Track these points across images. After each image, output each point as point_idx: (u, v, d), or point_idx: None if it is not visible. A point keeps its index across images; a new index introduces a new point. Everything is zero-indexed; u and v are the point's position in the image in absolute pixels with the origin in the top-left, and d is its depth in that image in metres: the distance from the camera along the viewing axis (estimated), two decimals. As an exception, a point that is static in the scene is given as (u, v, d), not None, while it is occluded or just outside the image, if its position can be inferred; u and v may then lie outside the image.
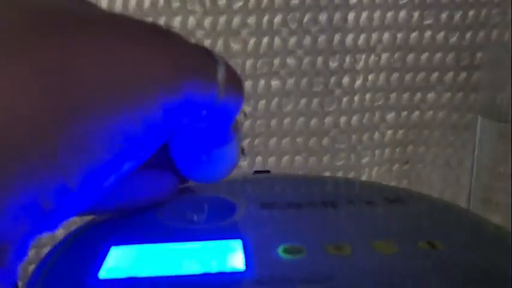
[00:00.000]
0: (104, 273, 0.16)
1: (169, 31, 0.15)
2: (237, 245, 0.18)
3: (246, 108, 0.36)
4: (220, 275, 0.16)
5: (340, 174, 0.38)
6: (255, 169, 0.37)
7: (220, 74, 0.16)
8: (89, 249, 0.18)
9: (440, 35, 0.36)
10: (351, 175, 0.38)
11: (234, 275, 0.16)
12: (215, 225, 0.19)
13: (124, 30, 0.13)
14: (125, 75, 0.13)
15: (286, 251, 0.17)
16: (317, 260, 0.16)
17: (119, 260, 0.17)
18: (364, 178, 0.39)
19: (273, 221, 0.20)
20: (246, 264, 0.16)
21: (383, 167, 0.39)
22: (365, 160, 0.39)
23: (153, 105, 0.13)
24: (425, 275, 0.15)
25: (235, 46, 0.35)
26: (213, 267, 0.16)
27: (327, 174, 0.38)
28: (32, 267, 0.17)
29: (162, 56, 0.14)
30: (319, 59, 0.36)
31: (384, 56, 0.36)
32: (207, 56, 0.16)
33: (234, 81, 0.17)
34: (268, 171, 0.29)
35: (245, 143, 0.37)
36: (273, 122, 0.37)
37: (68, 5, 0.13)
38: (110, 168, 0.13)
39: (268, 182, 0.25)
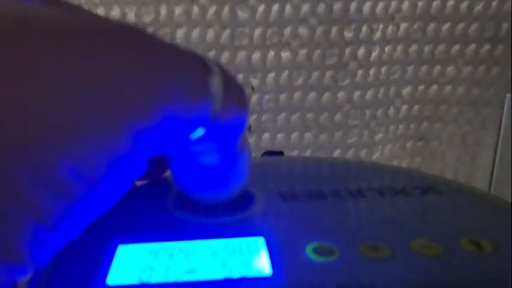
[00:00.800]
0: (111, 279, 0.14)
1: (143, 34, 0.12)
2: (259, 243, 0.16)
3: (254, 81, 0.34)
4: (244, 280, 0.14)
5: (351, 151, 0.36)
6: (262, 147, 0.35)
7: (216, 84, 0.13)
8: (94, 247, 0.16)
9: (464, 4, 0.33)
10: (363, 152, 0.37)
11: (260, 281, 0.14)
12: (233, 219, 0.17)
13: (84, 41, 0.10)
14: (82, 97, 0.10)
15: (315, 251, 0.15)
16: (353, 263, 0.15)
17: (128, 262, 0.15)
18: (376, 155, 0.37)
19: (296, 214, 0.18)
20: (273, 267, 0.14)
21: (396, 144, 0.37)
22: (378, 137, 0.37)
23: (119, 134, 0.11)
24: (474, 283, 0.14)
25: (243, 14, 0.32)
26: (235, 271, 0.14)
27: (338, 151, 0.36)
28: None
29: (130, 70, 0.11)
30: (334, 29, 0.33)
31: (403, 26, 0.34)
32: (197, 63, 0.13)
33: (234, 91, 0.14)
34: (281, 153, 0.27)
35: (252, 119, 0.35)
36: (282, 97, 0.34)
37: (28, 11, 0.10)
38: (86, 206, 0.11)
39: (284, 166, 0.23)
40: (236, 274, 0.14)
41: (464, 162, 0.38)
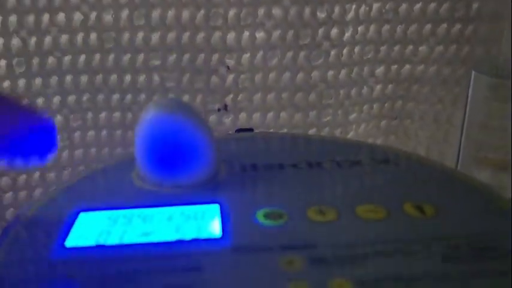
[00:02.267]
0: (70, 241, 0.15)
1: None
2: (214, 210, 0.16)
3: (229, 61, 0.35)
4: (195, 241, 0.15)
5: (326, 130, 0.37)
6: (238, 126, 0.35)
7: None
8: (56, 215, 0.16)
9: (435, -16, 0.34)
10: (338, 131, 0.37)
11: (209, 242, 0.15)
12: (192, 189, 0.18)
13: None
14: None
15: (265, 216, 0.16)
16: (299, 226, 0.15)
17: (88, 227, 0.16)
18: (351, 134, 0.38)
19: (254, 184, 0.18)
20: (223, 231, 0.15)
21: (371, 123, 0.38)
22: (352, 116, 0.37)
23: None
24: (413, 244, 0.14)
25: (217, -6, 0.33)
26: (188, 234, 0.15)
27: (313, 130, 0.37)
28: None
29: None
30: (307, 9, 0.34)
31: (375, 6, 0.34)
32: None
33: None
34: (251, 130, 0.28)
35: (228, 98, 0.35)
36: (258, 77, 0.35)
37: None
38: None
39: (251, 142, 0.24)
40: (188, 236, 0.15)
41: (437, 139, 0.38)
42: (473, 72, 0.30)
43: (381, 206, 0.16)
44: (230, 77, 0.35)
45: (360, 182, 0.19)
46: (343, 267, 0.13)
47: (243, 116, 0.36)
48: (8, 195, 0.36)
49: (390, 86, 0.37)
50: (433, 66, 0.36)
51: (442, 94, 0.37)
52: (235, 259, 0.14)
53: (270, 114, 0.36)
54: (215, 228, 0.15)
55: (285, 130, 0.36)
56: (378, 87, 0.37)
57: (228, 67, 0.35)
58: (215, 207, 0.17)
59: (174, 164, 0.18)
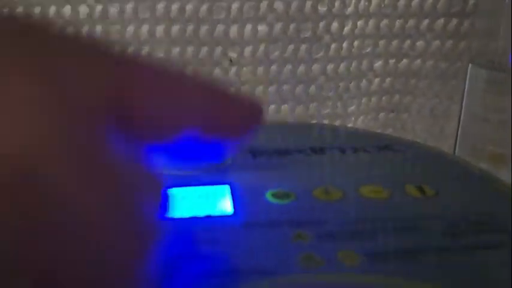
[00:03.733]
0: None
1: None
2: (225, 190, 0.17)
3: (232, 54, 0.35)
4: (209, 218, 0.16)
5: (326, 122, 0.38)
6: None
7: None
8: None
9: (433, -20, 0.35)
10: (337, 123, 0.38)
11: (222, 219, 0.16)
12: (205, 171, 0.19)
13: None
14: None
15: (274, 195, 0.17)
16: (306, 205, 0.16)
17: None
18: (350, 126, 0.39)
19: (262, 167, 0.19)
20: (234, 208, 0.16)
21: (369, 116, 0.39)
22: (351, 108, 0.38)
23: None
24: (415, 220, 0.15)
25: (221, -12, 0.34)
26: (202, 211, 0.16)
27: (314, 122, 0.38)
28: None
29: None
30: (308, 3, 0.34)
31: (374, 0, 0.35)
32: None
33: None
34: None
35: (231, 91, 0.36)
36: (259, 70, 0.36)
37: None
38: None
39: (260, 129, 0.25)
40: (202, 213, 0.16)
41: (433, 133, 0.39)
42: (470, 66, 0.31)
43: (383, 186, 0.17)
44: (233, 70, 0.36)
45: (363, 165, 0.19)
46: (350, 241, 0.14)
47: (244, 107, 0.37)
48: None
49: (388, 79, 0.38)
50: (430, 60, 0.37)
51: (439, 88, 0.38)
52: (247, 233, 0.15)
53: (272, 107, 0.37)
54: (227, 206, 0.16)
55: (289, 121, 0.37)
56: (376, 80, 0.38)
57: (230, 60, 0.35)
58: (226, 188, 0.17)
59: (188, 149, 0.19)
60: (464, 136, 0.33)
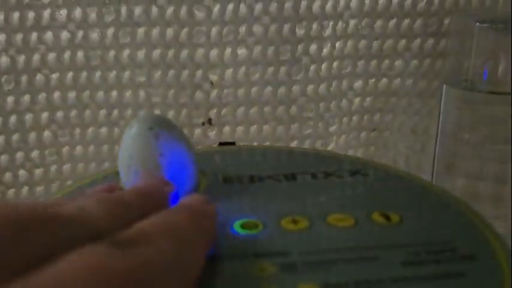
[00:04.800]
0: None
1: None
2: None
3: (213, 77, 0.36)
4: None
5: (308, 142, 0.38)
6: (223, 139, 0.37)
7: None
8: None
9: (408, 1, 0.36)
10: (319, 143, 0.39)
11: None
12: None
13: None
14: None
15: (242, 226, 0.17)
16: (273, 235, 0.16)
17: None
18: (331, 146, 0.39)
19: (233, 195, 0.20)
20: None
21: (350, 135, 0.39)
22: (333, 128, 0.39)
23: None
24: (377, 250, 0.16)
25: (200, 14, 0.34)
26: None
27: (295, 142, 0.38)
28: None
29: None
30: (286, 27, 0.35)
31: (352, 22, 0.36)
32: None
33: None
34: (233, 143, 0.29)
35: (212, 113, 0.37)
36: (240, 91, 0.36)
37: None
38: None
39: (233, 155, 0.25)
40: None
41: (415, 150, 0.40)
42: (444, 86, 0.31)
43: (350, 214, 0.18)
44: (214, 92, 0.36)
45: (333, 192, 0.20)
46: (311, 273, 0.14)
47: (226, 129, 0.37)
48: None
49: (368, 99, 0.38)
50: (409, 79, 0.38)
51: (418, 106, 0.38)
52: (214, 267, 0.15)
53: (253, 128, 0.37)
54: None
55: (268, 143, 0.38)
56: (357, 100, 0.38)
57: (211, 82, 0.36)
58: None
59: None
60: (441, 153, 0.33)
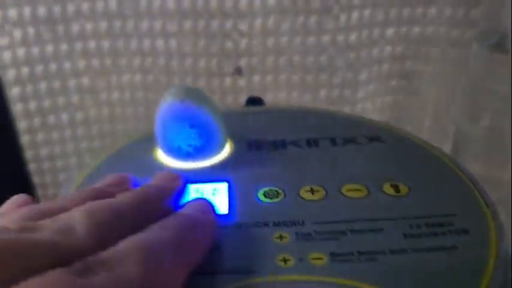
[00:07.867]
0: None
1: None
2: (223, 188, 0.19)
3: (242, 26, 0.36)
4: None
5: (337, 91, 0.39)
6: (250, 88, 0.38)
7: None
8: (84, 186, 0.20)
9: None
10: (348, 92, 0.39)
11: (219, 218, 0.18)
12: (205, 167, 0.21)
13: None
14: None
15: (265, 194, 0.19)
16: (291, 205, 0.18)
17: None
18: (361, 94, 0.40)
19: (257, 163, 0.21)
20: (229, 209, 0.18)
21: (379, 83, 0.39)
22: (362, 76, 0.39)
23: None
24: (385, 221, 0.17)
25: (230, -39, 0.34)
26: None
27: (324, 91, 0.39)
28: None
29: None
30: (317, -25, 0.34)
31: (385, -31, 0.35)
32: None
33: None
34: (260, 100, 0.30)
35: (242, 62, 0.37)
36: (270, 41, 0.37)
37: None
38: None
39: (258, 118, 0.26)
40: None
41: (444, 99, 0.40)
42: (473, 45, 0.31)
43: (363, 185, 0.19)
44: (243, 42, 0.37)
45: (349, 161, 0.21)
46: (321, 242, 0.16)
47: (256, 79, 0.38)
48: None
49: (399, 47, 0.38)
50: (442, 27, 0.37)
51: (450, 55, 0.38)
52: (238, 233, 0.17)
53: (282, 77, 0.38)
54: (223, 207, 0.18)
55: (296, 92, 0.38)
56: (388, 48, 0.38)
57: (241, 32, 0.36)
58: (224, 186, 0.20)
59: (188, 144, 0.21)
60: (466, 102, 0.33)
